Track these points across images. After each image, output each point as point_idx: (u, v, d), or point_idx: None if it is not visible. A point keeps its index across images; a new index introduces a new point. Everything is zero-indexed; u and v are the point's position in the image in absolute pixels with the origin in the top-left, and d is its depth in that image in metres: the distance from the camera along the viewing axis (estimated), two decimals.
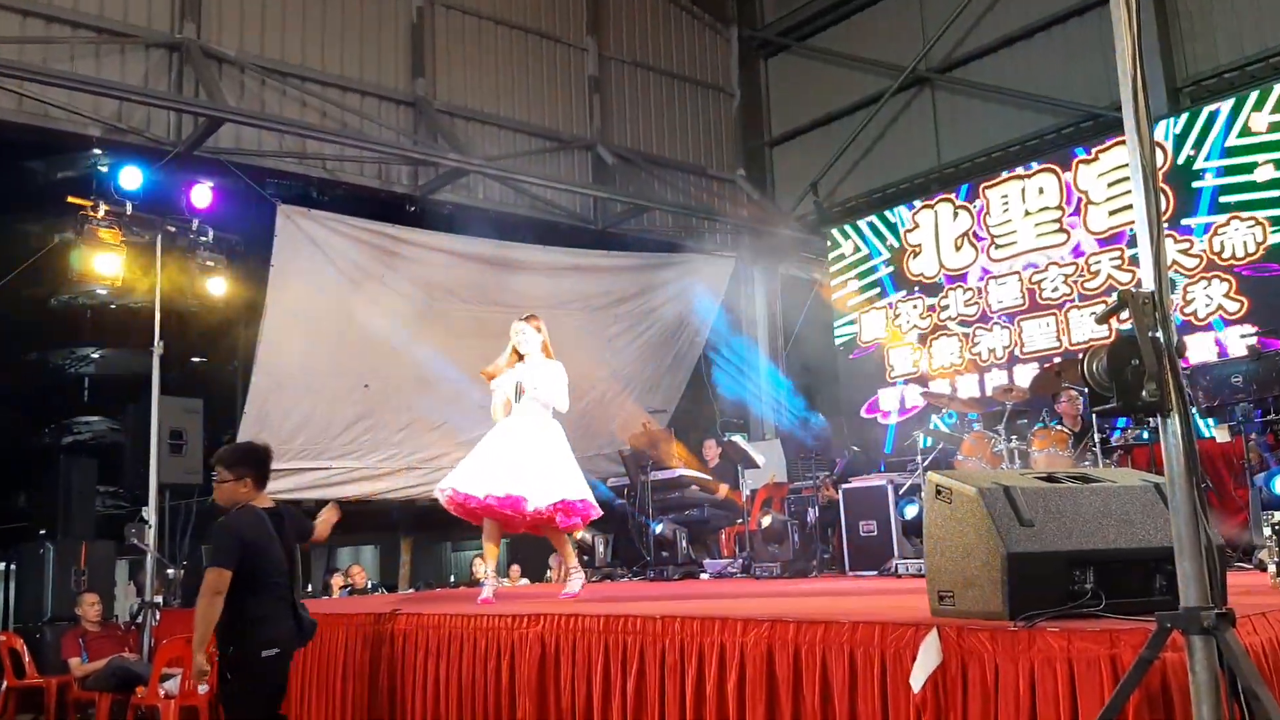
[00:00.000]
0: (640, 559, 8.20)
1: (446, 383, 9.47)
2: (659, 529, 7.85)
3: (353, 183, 9.06)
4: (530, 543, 14.10)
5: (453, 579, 15.84)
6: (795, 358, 11.54)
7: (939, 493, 3.27)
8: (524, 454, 5.03)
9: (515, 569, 10.63)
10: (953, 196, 9.73)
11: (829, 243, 11.00)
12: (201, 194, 7.61)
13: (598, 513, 5.19)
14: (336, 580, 9.80)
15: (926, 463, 7.16)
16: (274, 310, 8.40)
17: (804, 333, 11.41)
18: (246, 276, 8.29)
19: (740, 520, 7.88)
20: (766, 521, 7.62)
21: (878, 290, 10.27)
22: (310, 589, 10.58)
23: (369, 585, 10.17)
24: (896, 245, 10.15)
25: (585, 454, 10.48)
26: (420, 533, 12.08)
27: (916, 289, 9.89)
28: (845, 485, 7.47)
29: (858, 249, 10.54)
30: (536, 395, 5.10)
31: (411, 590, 10.52)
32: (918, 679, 2.74)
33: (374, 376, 9.02)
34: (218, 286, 7.88)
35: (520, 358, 5.33)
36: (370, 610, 4.83)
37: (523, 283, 9.69)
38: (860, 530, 7.05)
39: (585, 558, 8.60)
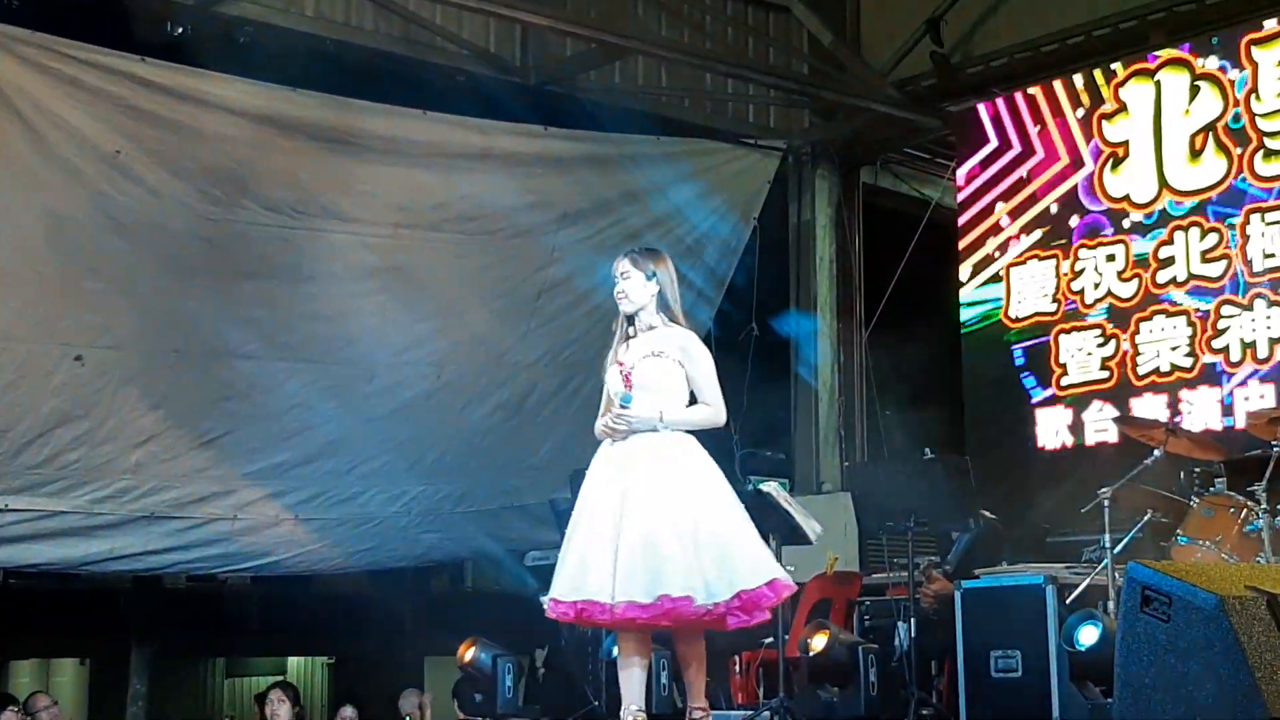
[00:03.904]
0: (581, 703, 8.16)
1: (233, 360, 9.41)
2: (616, 650, 7.80)
3: None
4: (372, 672, 14.05)
5: None
6: (885, 341, 11.54)
7: (1148, 601, 3.30)
8: (658, 513, 5.40)
9: (348, 713, 10.60)
10: (1189, 56, 9.74)
11: (957, 133, 10.95)
12: None
13: (780, 594, 5.57)
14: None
15: (1120, 547, 7.15)
16: None
17: (904, 296, 11.40)
18: None
19: (767, 640, 7.84)
20: (819, 644, 7.60)
21: (1044, 225, 10.30)
22: None
23: None
24: (1083, 142, 10.18)
25: (487, 505, 10.55)
26: (169, 639, 11.97)
27: (1117, 224, 9.92)
28: (967, 583, 7.50)
29: (1008, 146, 10.55)
30: (667, 424, 5.54)
31: None
32: None
33: (95, 342, 8.93)
34: None
35: (630, 326, 5.72)
36: None
37: (383, 176, 9.64)
38: (993, 666, 7.07)
39: (478, 696, 8.54)
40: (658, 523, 5.37)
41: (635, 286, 5.62)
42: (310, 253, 9.49)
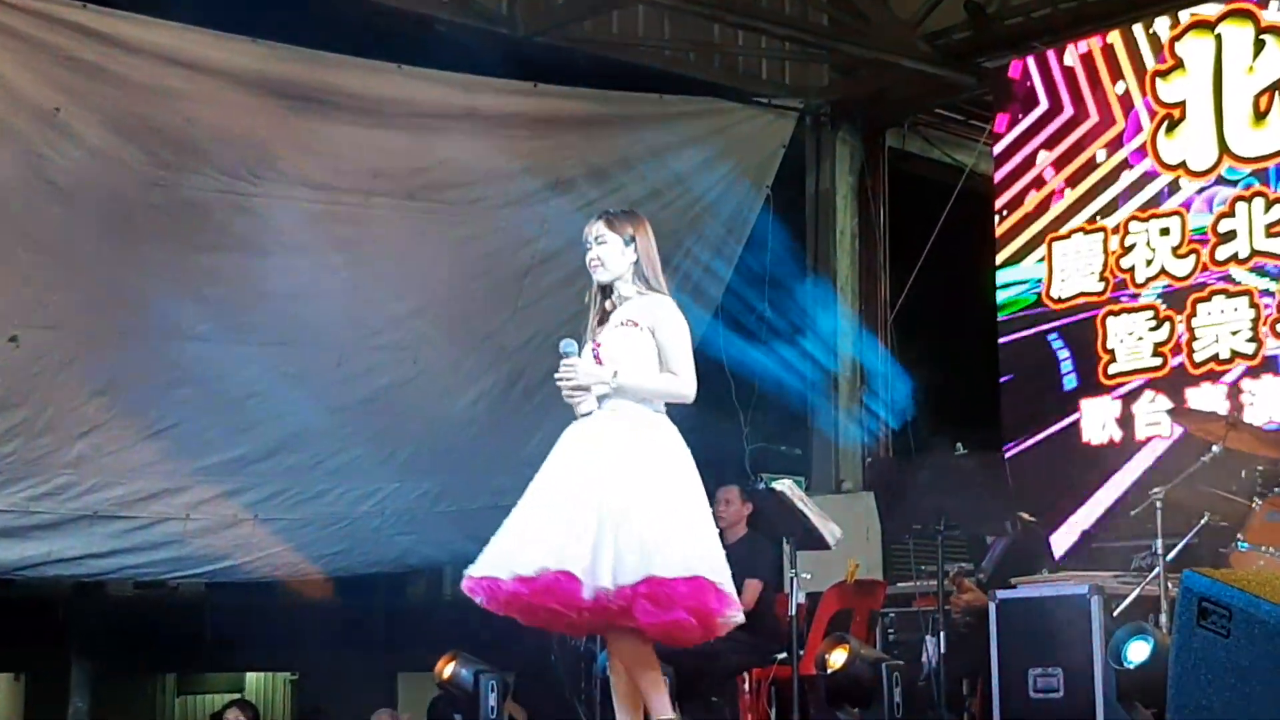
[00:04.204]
0: None
1: (185, 341, 9.40)
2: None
3: None
4: (339, 690, 13.99)
5: None
6: (914, 323, 11.54)
7: (1206, 614, 3.29)
8: (594, 490, 5.36)
9: None
10: (1253, 7, 9.65)
11: (994, 92, 10.90)
12: None
13: (730, 608, 5.46)
14: None
15: (1174, 553, 7.14)
16: None
17: (934, 274, 11.39)
18: None
19: (780, 656, 7.88)
20: (838, 660, 7.61)
21: (1090, 195, 10.26)
22: None
23: None
24: (1137, 101, 10.14)
25: (469, 504, 10.52)
26: (113, 652, 11.95)
27: (1172, 193, 9.88)
28: (1003, 592, 7.49)
29: (1053, 107, 10.51)
30: (620, 385, 5.47)
31: None
32: None
33: (31, 321, 8.92)
34: None
35: (606, 299, 5.66)
36: None
37: (353, 138, 9.62)
38: (1031, 685, 7.07)
39: (457, 717, 8.53)
40: (580, 499, 5.33)
41: (611, 254, 5.56)
42: (271, 223, 9.45)
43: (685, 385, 5.49)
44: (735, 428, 11.03)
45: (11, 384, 8.88)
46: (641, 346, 5.48)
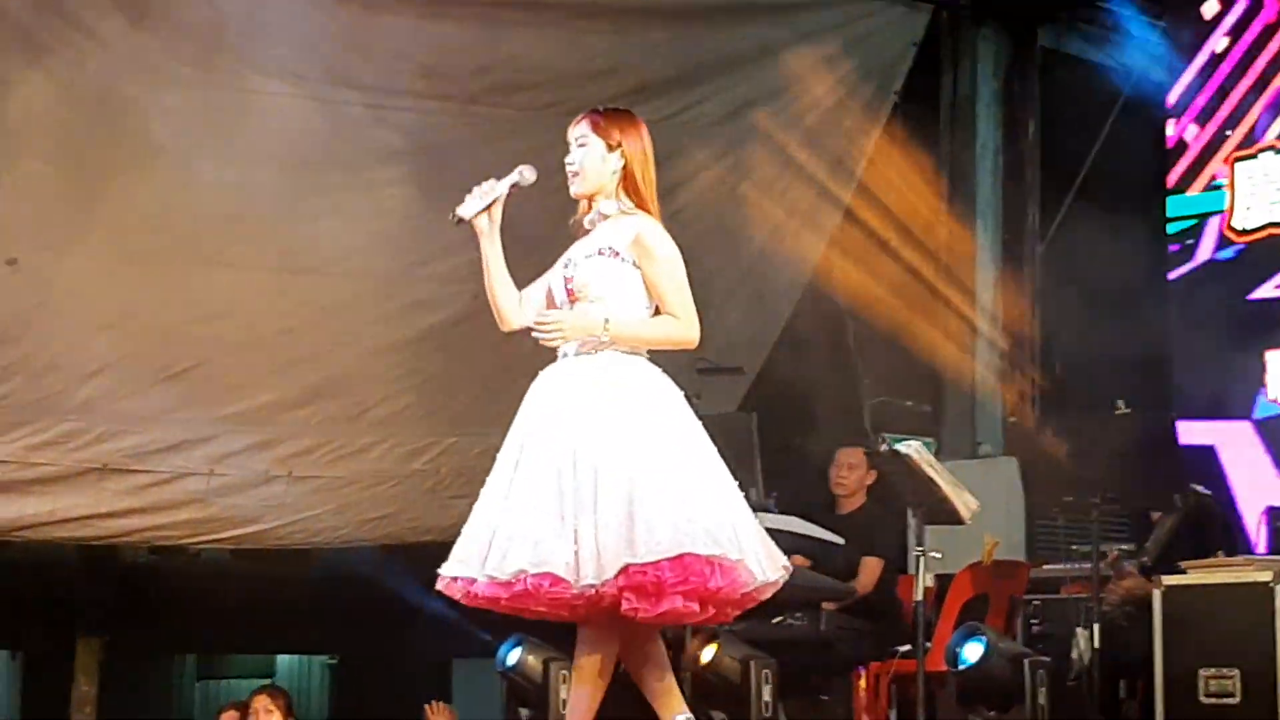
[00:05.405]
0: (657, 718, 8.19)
1: (209, 268, 9.48)
2: (709, 655, 7.86)
3: None
4: (385, 677, 14.06)
5: None
6: (1066, 258, 11.49)
7: None
8: (561, 466, 5.27)
9: None
10: None
11: None
12: None
13: (740, 577, 5.19)
14: None
15: None
16: None
17: (1093, 198, 11.32)
18: None
19: (903, 649, 7.93)
20: (972, 654, 7.60)
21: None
22: None
23: None
24: None
25: None
26: (125, 628, 12.10)
27: None
28: (1170, 579, 7.45)
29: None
30: (610, 329, 5.35)
31: None
32: None
33: (33, 242, 9.01)
34: None
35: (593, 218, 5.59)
36: None
37: (406, 32, 9.63)
38: (1203, 689, 7.05)
39: (525, 711, 8.57)
40: (545, 480, 5.24)
41: (592, 159, 5.50)
42: (311, 130, 9.50)
43: (687, 330, 5.35)
44: (853, 378, 11.00)
45: (10, 314, 8.99)
46: (625, 279, 5.38)
